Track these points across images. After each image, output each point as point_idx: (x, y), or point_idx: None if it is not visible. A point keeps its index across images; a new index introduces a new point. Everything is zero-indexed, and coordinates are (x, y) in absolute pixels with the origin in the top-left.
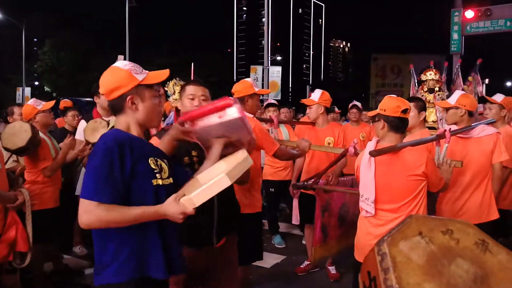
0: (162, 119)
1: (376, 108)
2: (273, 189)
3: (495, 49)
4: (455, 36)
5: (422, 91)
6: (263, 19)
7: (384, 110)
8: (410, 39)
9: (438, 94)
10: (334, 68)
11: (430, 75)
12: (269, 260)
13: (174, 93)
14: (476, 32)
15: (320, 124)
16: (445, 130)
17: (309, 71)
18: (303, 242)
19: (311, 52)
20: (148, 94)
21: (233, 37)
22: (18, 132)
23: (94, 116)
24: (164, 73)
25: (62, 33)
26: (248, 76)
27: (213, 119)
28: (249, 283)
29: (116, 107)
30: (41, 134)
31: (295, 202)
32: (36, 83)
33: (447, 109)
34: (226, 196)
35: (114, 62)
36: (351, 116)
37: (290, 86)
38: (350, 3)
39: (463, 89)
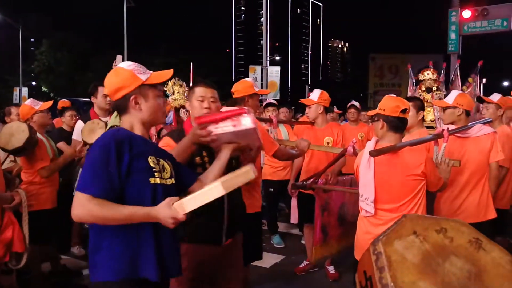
0: None
1: (375, 108)
2: (272, 189)
3: (492, 49)
4: (452, 36)
5: (420, 90)
6: (262, 19)
7: (384, 110)
8: (408, 39)
9: (436, 94)
10: (332, 68)
11: (428, 75)
12: (268, 260)
13: (173, 93)
14: (473, 32)
15: (319, 124)
16: (443, 130)
17: (308, 71)
18: (302, 242)
19: (310, 52)
20: (152, 94)
21: (231, 37)
22: (16, 132)
23: (91, 116)
24: (168, 73)
25: (59, 33)
26: (247, 76)
27: (228, 127)
28: (249, 283)
29: (120, 107)
30: (38, 135)
31: (294, 202)
32: (34, 83)
33: (444, 109)
34: (236, 196)
35: (112, 62)
36: (349, 116)
37: (289, 86)
38: (348, 3)
39: (462, 90)
